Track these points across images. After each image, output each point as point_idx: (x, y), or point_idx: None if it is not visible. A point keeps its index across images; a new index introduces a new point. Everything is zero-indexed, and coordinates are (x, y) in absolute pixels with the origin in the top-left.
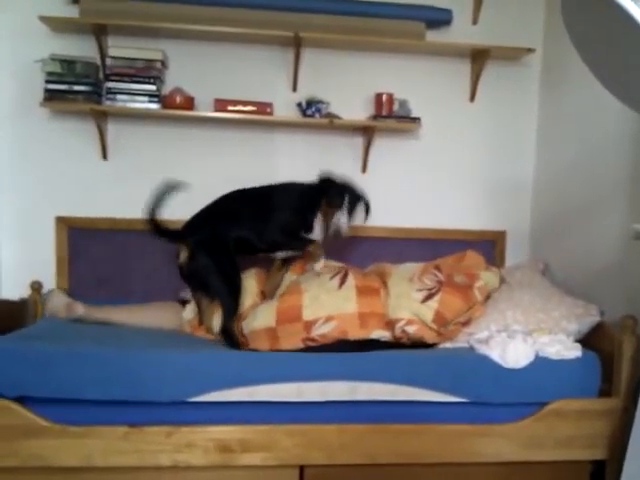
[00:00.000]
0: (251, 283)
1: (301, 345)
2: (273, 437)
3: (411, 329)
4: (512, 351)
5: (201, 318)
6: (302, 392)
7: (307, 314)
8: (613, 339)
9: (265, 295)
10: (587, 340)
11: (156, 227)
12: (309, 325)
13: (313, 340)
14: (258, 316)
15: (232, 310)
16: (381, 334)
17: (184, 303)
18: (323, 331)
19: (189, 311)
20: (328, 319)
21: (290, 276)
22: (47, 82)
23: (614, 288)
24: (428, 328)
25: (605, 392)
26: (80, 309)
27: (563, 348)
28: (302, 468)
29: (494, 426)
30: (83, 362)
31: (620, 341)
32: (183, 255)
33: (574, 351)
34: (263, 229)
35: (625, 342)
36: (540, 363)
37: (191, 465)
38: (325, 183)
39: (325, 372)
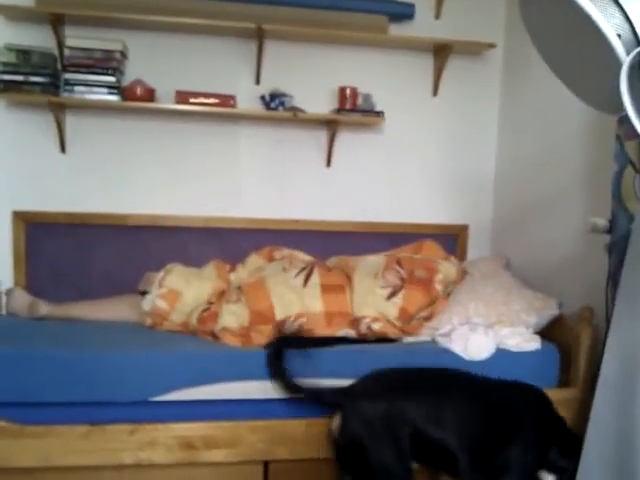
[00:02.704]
0: (211, 271)
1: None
2: (237, 433)
3: (376, 326)
4: (474, 344)
5: None
6: (267, 389)
7: (278, 314)
8: (571, 330)
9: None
10: (546, 331)
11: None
12: (281, 324)
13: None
14: (230, 317)
15: None
16: (347, 332)
17: (144, 294)
18: (293, 329)
19: (148, 302)
20: (297, 317)
21: (256, 260)
22: (2, 73)
23: (572, 280)
24: (392, 325)
25: (564, 383)
26: (43, 308)
27: (523, 340)
28: (266, 463)
29: None
30: (41, 364)
31: (578, 332)
32: (335, 422)
33: (533, 343)
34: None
35: (583, 333)
36: (501, 355)
37: (154, 463)
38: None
39: (290, 369)
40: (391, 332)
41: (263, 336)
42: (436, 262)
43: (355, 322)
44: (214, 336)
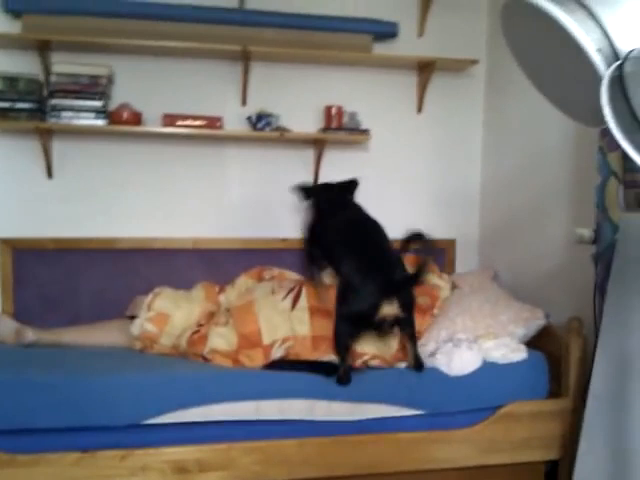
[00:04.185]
0: (199, 293)
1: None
2: (230, 455)
3: (373, 363)
4: (457, 360)
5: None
6: (260, 410)
7: (265, 338)
8: (560, 341)
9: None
10: (535, 343)
11: None
12: (268, 349)
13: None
14: (219, 340)
15: None
16: (333, 358)
17: (132, 318)
18: (280, 353)
19: (137, 326)
20: (284, 340)
21: (245, 280)
22: None
23: (560, 291)
24: (388, 363)
25: (554, 393)
26: (30, 334)
27: (508, 351)
28: None
29: (450, 432)
30: (32, 390)
31: (567, 342)
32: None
33: (520, 353)
34: None
35: (572, 343)
36: (488, 368)
37: None
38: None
39: (283, 390)
40: (386, 365)
41: (252, 361)
42: (437, 288)
43: (354, 355)
44: (204, 358)
